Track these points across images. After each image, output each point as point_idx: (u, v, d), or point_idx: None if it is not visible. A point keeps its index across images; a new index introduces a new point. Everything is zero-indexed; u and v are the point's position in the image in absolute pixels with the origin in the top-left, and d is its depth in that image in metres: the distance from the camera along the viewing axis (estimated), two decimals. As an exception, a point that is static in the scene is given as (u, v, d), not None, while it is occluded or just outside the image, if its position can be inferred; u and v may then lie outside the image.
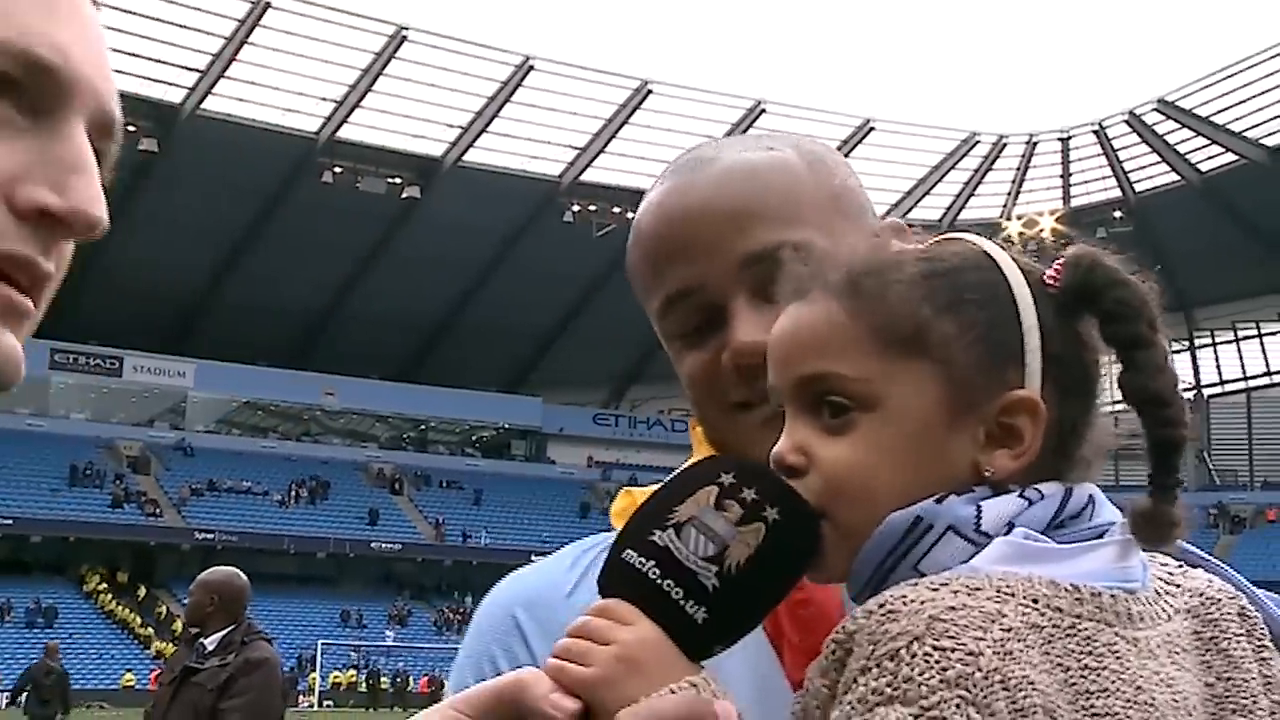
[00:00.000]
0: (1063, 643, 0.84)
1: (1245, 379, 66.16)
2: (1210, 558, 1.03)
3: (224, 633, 6.08)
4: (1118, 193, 59.44)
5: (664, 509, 0.92)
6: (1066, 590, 0.86)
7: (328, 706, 43.61)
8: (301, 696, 42.03)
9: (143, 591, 49.64)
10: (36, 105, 0.71)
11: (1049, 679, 0.82)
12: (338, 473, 57.74)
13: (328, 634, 48.90)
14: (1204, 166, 56.13)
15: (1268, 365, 65.53)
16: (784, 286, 1.01)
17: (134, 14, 44.66)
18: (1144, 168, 58.65)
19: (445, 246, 55.94)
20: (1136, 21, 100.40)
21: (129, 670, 43.44)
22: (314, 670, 45.37)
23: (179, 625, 33.34)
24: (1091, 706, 0.83)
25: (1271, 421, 65.59)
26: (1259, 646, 0.94)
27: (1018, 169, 60.57)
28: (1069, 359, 0.95)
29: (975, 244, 0.99)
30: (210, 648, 6.06)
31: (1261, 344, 65.16)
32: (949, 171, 59.43)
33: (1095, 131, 57.97)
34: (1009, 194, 60.94)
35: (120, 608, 48.26)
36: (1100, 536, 0.92)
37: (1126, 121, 56.48)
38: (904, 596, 0.84)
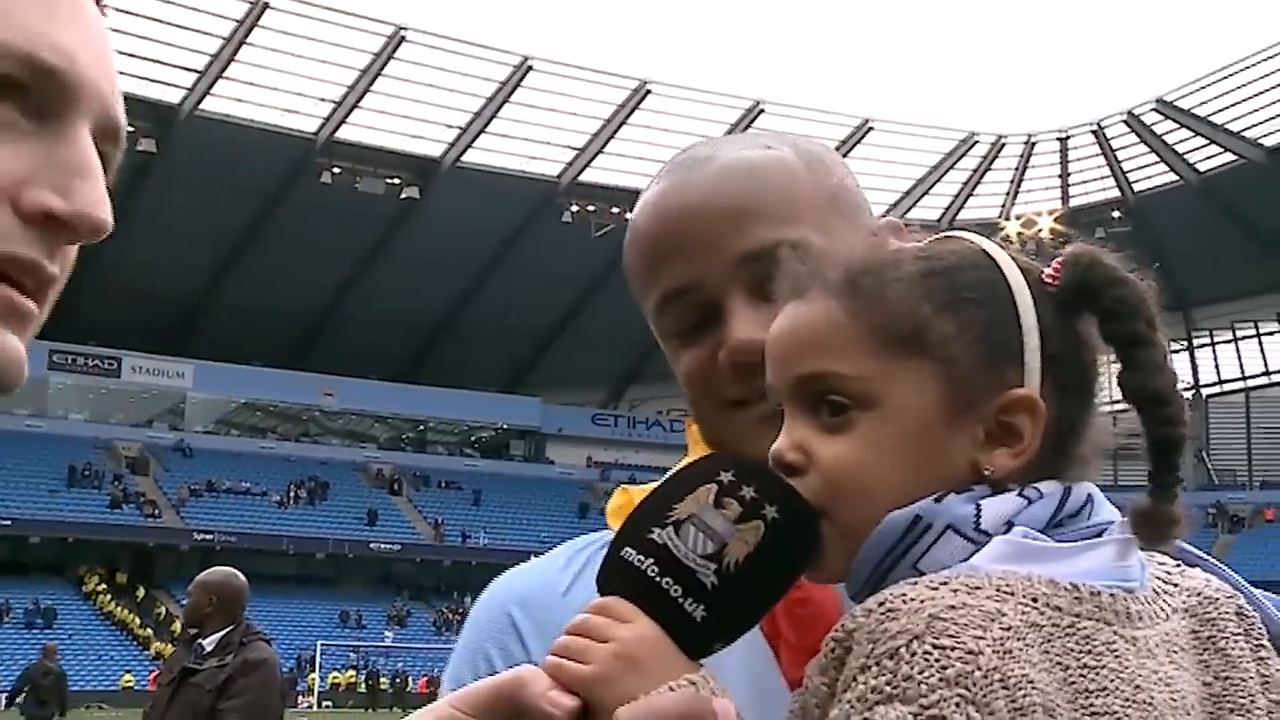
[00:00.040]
0: (1062, 641, 0.84)
1: (1244, 379, 66.19)
2: (1207, 557, 1.03)
3: (222, 633, 6.08)
4: (1116, 193, 59.46)
5: (663, 507, 0.92)
6: (1066, 589, 0.86)
7: (327, 707, 43.61)
8: (301, 697, 42.02)
9: (141, 592, 49.62)
10: (41, 109, 0.71)
11: (1048, 678, 0.82)
12: (336, 473, 57.72)
13: (327, 634, 48.89)
14: (1202, 166, 56.14)
15: (1266, 365, 65.55)
16: (782, 285, 1.00)
17: (132, 14, 44.64)
18: (1142, 167, 58.67)
19: (444, 247, 55.94)
20: (1135, 21, 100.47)
21: (128, 671, 43.42)
22: (313, 671, 45.36)
23: (178, 626, 33.28)
24: (1090, 705, 0.83)
25: (1270, 421, 65.61)
26: (1256, 646, 0.94)
27: (1016, 169, 60.58)
28: (1068, 358, 0.95)
29: (974, 242, 0.99)
30: (209, 648, 6.06)
31: (1260, 344, 65.19)
32: (948, 171, 59.45)
33: (1094, 131, 57.99)
34: (1008, 194, 60.95)
35: (119, 608, 48.24)
36: (1099, 535, 0.92)
37: (1125, 121, 56.49)
38: (904, 595, 0.84)
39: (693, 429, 1.29)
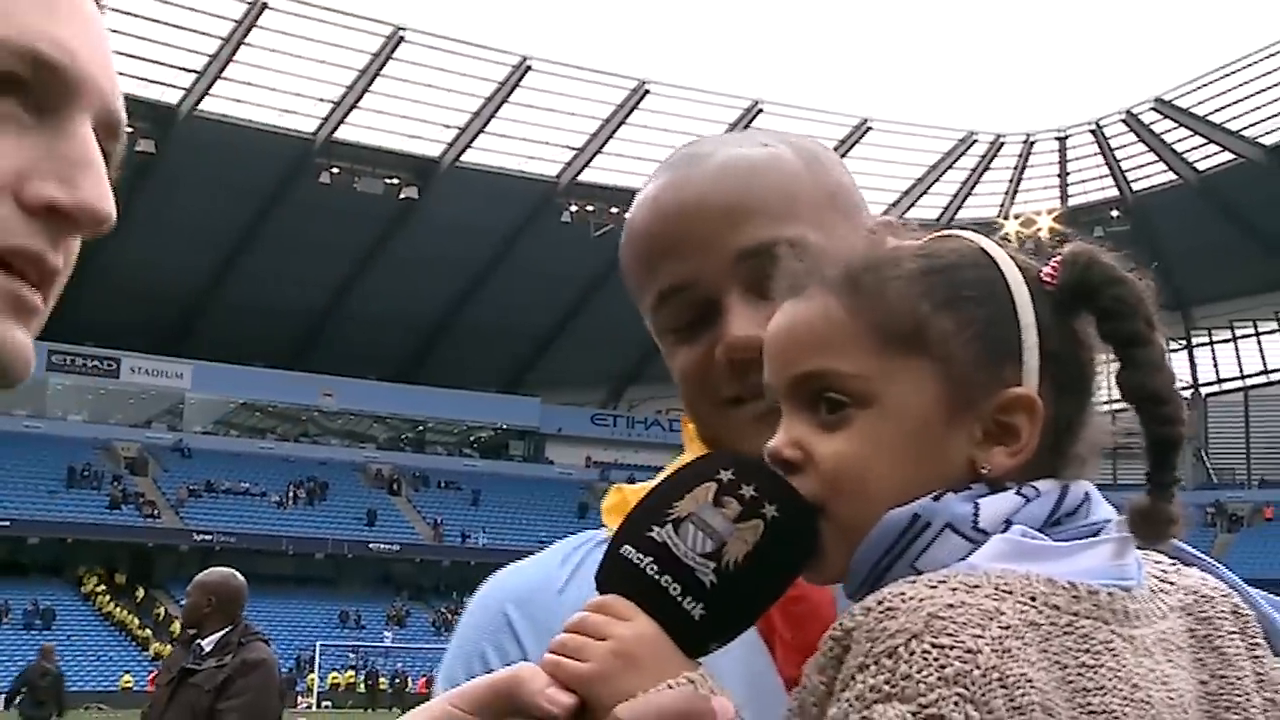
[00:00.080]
0: (1060, 640, 0.84)
1: (1242, 378, 66.19)
2: (1203, 556, 1.02)
3: (221, 634, 6.09)
4: (1115, 192, 59.46)
5: (663, 505, 0.92)
6: (1064, 588, 0.86)
7: (326, 707, 43.61)
8: (300, 697, 42.00)
9: (141, 593, 49.61)
10: (42, 104, 0.71)
11: (1047, 676, 0.82)
12: (336, 473, 57.72)
13: (326, 635, 48.90)
14: (1201, 165, 56.14)
15: (1265, 364, 65.56)
16: (780, 283, 1.00)
17: (131, 15, 44.62)
18: (1141, 167, 58.67)
19: (443, 247, 55.93)
20: (1133, 21, 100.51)
21: (127, 672, 43.41)
22: (312, 671, 45.35)
23: (177, 626, 33.29)
24: (1089, 704, 0.83)
25: (1269, 420, 65.61)
26: (1252, 644, 0.94)
27: (1015, 168, 60.59)
28: (1066, 356, 0.95)
29: (972, 241, 0.99)
30: (207, 649, 6.07)
31: (1259, 343, 65.20)
32: (946, 171, 59.45)
33: (1092, 131, 57.99)
34: (1006, 193, 60.95)
35: (118, 609, 48.23)
36: (1096, 534, 0.92)
37: (1124, 121, 56.50)
38: (902, 594, 0.84)
39: (688, 427, 1.29)
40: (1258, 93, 51.89)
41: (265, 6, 46.64)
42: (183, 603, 6.97)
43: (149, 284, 54.00)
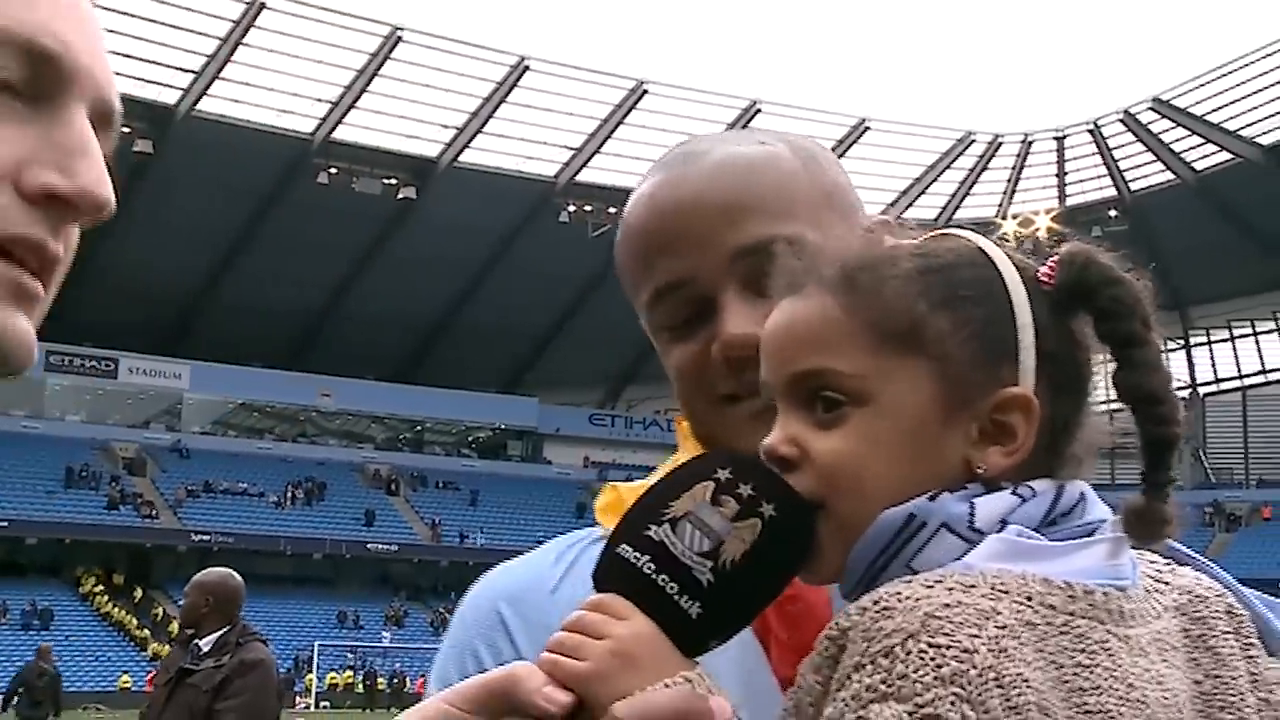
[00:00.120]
0: (1056, 640, 0.84)
1: (1240, 377, 66.21)
2: (1197, 556, 1.02)
3: (219, 634, 6.08)
4: (1113, 191, 59.49)
5: (660, 504, 0.92)
6: (1059, 588, 0.86)
7: (324, 707, 43.58)
8: (298, 697, 41.98)
9: (139, 593, 49.58)
10: (38, 93, 0.72)
11: (1043, 676, 0.82)
12: (334, 474, 57.70)
13: (324, 635, 48.87)
14: (1199, 165, 56.16)
15: (1263, 363, 65.59)
16: (777, 281, 1.00)
17: (129, 15, 44.63)
18: (1139, 166, 58.69)
19: (441, 247, 55.92)
20: (1131, 20, 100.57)
21: (125, 672, 43.37)
22: (311, 671, 45.31)
23: (175, 627, 33.29)
24: (1085, 704, 0.83)
25: (1267, 419, 65.64)
26: (1246, 644, 0.94)
27: (1013, 168, 60.61)
28: (1062, 356, 0.95)
29: (970, 240, 0.99)
30: (205, 649, 6.06)
31: (1257, 342, 65.22)
32: (944, 171, 59.47)
33: (1090, 130, 58.01)
34: (1004, 193, 60.97)
35: (116, 609, 48.20)
36: (1091, 534, 0.92)
37: (1122, 120, 56.52)
38: (898, 593, 0.84)
39: (683, 425, 1.28)
40: (1256, 92, 51.91)
41: (263, 6, 46.62)
42: (181, 603, 6.97)
43: (147, 284, 53.99)
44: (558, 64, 52.21)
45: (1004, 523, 0.89)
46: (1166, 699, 0.87)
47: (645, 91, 52.99)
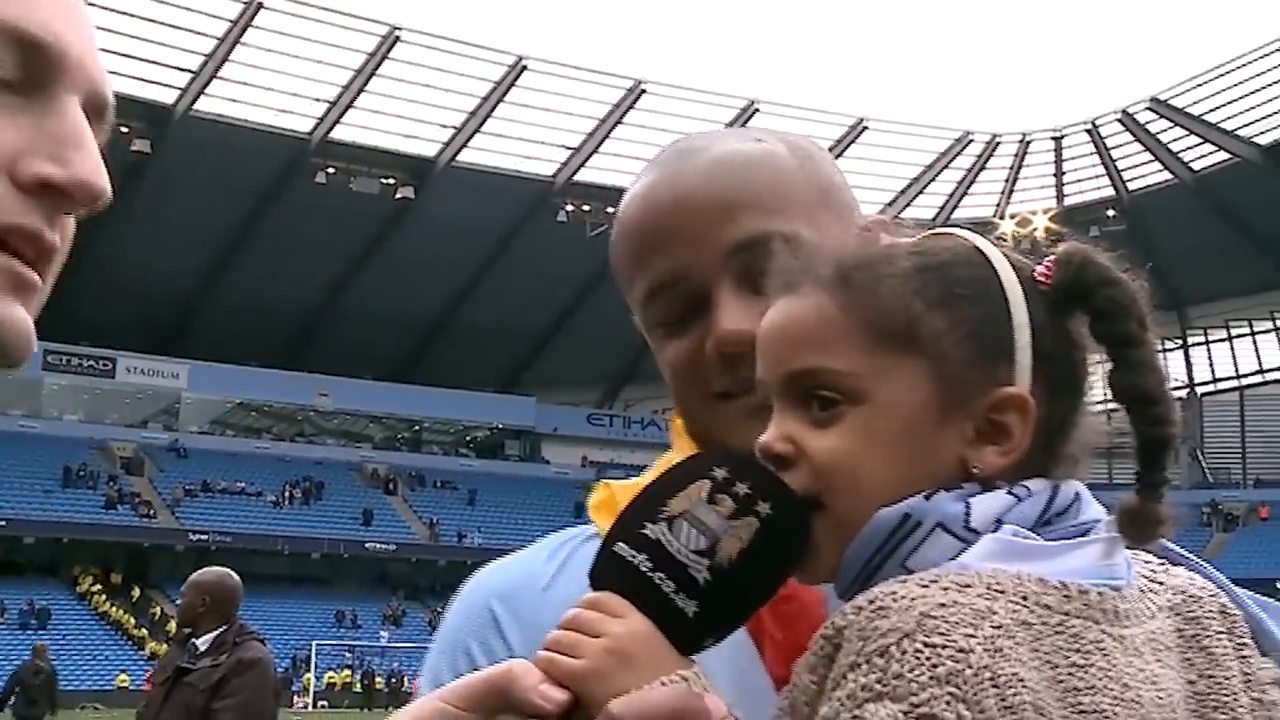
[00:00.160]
0: (1051, 640, 0.84)
1: (1238, 377, 66.23)
2: (1190, 556, 1.02)
3: (216, 633, 6.07)
4: (1111, 191, 59.51)
5: (656, 502, 0.92)
6: (1054, 588, 0.86)
7: (322, 707, 43.57)
8: (296, 697, 42.00)
9: (136, 593, 49.57)
10: (31, 84, 0.72)
11: (1038, 676, 0.82)
12: (332, 473, 57.68)
13: (322, 634, 48.85)
14: (1197, 165, 56.19)
15: (1260, 363, 65.61)
16: (774, 279, 1.00)
17: (126, 14, 44.60)
18: (1137, 166, 58.72)
19: (439, 247, 55.91)
20: (1129, 20, 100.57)
21: (123, 671, 43.36)
22: (308, 671, 45.31)
23: (173, 626, 33.29)
24: (1079, 704, 0.83)
25: (1264, 419, 65.65)
26: (1239, 644, 0.94)
27: (1011, 168, 60.63)
28: (1059, 356, 0.95)
29: (966, 239, 0.99)
30: (202, 648, 6.05)
31: (1254, 342, 65.25)
32: (942, 171, 59.48)
33: (1088, 130, 58.05)
34: (1002, 193, 61.00)
35: (114, 609, 48.19)
36: (1086, 534, 0.92)
37: (1119, 120, 56.55)
38: (894, 593, 0.84)
39: (677, 423, 1.28)
40: (1253, 92, 51.95)
41: (261, 6, 46.60)
42: (178, 602, 6.96)
43: (145, 284, 53.96)
44: (556, 64, 52.26)
45: (999, 522, 0.89)
46: (1161, 699, 0.87)
47: (643, 91, 52.99)
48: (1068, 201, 60.22)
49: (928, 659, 0.80)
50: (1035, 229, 53.86)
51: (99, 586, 49.49)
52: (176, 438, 56.79)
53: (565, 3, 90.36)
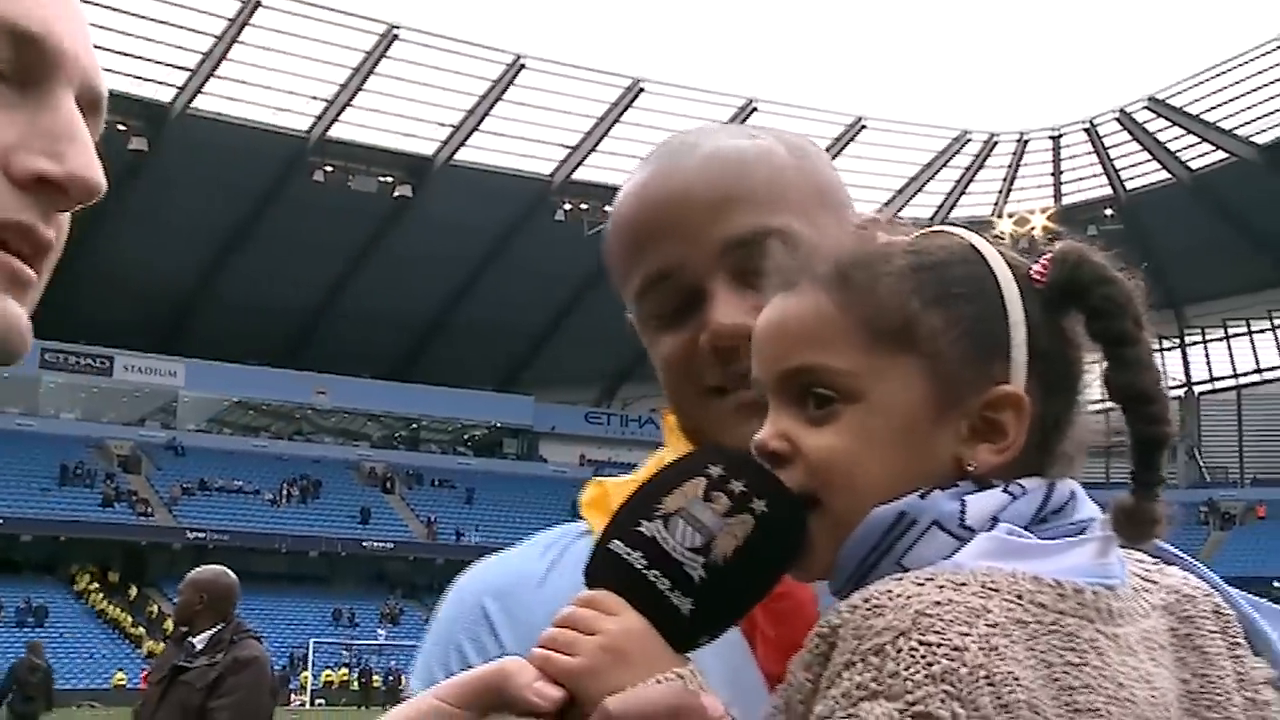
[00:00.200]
0: (1046, 638, 0.84)
1: (1235, 376, 66.26)
2: (1184, 555, 1.02)
3: (213, 631, 6.06)
4: (1108, 190, 59.53)
5: (652, 500, 0.92)
6: (1049, 586, 0.86)
7: (320, 705, 43.56)
8: (294, 695, 41.99)
9: (134, 591, 49.55)
10: (24, 79, 0.72)
11: (1033, 674, 0.82)
12: (329, 472, 57.66)
13: (320, 633, 48.83)
14: (1194, 164, 56.21)
15: (1258, 362, 65.65)
16: (770, 277, 1.00)
17: (124, 13, 44.57)
18: (1135, 165, 58.74)
19: (437, 245, 55.89)
20: (1127, 19, 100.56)
21: (120, 670, 43.34)
22: (306, 669, 45.30)
23: (170, 625, 33.26)
24: (1074, 702, 0.83)
25: (1261, 418, 65.71)
26: (1232, 644, 0.95)
27: (1009, 167, 60.64)
28: (1054, 355, 0.95)
29: (962, 237, 0.99)
30: (199, 646, 6.04)
31: (1251, 341, 65.28)
32: (940, 169, 59.49)
33: (1086, 129, 58.06)
34: (1000, 192, 61.02)
35: (111, 607, 48.17)
36: (1081, 532, 0.92)
37: (1117, 119, 56.57)
38: (889, 591, 0.84)
39: (669, 420, 1.28)
40: (1251, 91, 51.96)
41: (259, 4, 46.57)
42: (175, 601, 6.95)
43: (142, 282, 53.93)
44: (554, 62, 52.23)
45: (995, 521, 0.89)
46: (1155, 697, 0.87)
47: (641, 90, 52.98)
48: (1065, 200, 60.24)
49: (923, 657, 0.80)
50: (1033, 228, 53.89)
51: (96, 585, 49.46)
52: (174, 436, 56.77)
53: (563, 1, 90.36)
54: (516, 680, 0.86)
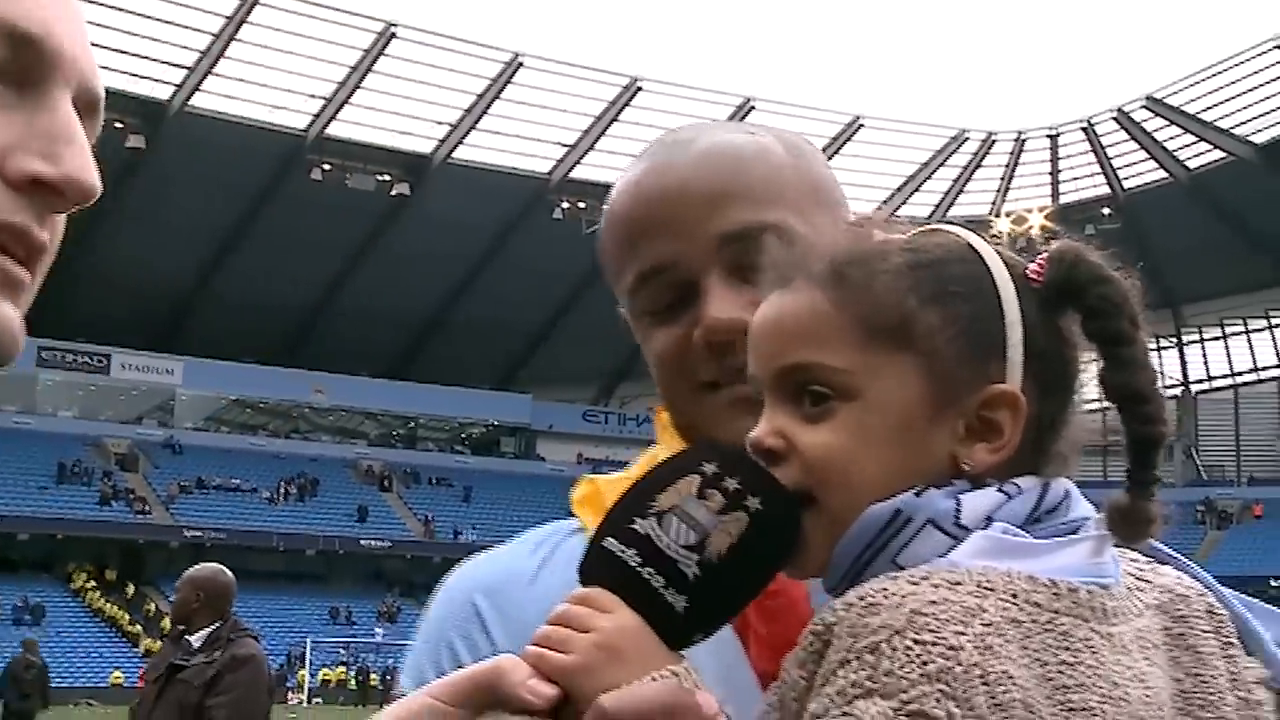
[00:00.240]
0: (1041, 638, 0.84)
1: (1233, 375, 66.32)
2: (1178, 555, 1.02)
3: (210, 629, 6.07)
4: (1106, 190, 59.54)
5: (646, 497, 0.92)
6: (1044, 585, 0.86)
7: (317, 703, 43.55)
8: (291, 693, 41.96)
9: (131, 589, 49.51)
10: (21, 79, 0.71)
11: (1027, 673, 0.82)
12: (327, 470, 57.64)
13: (317, 631, 48.80)
14: (1192, 163, 56.23)
15: (1255, 362, 65.70)
16: (766, 273, 1.00)
17: (122, 10, 44.54)
18: (1132, 165, 58.76)
19: (434, 243, 55.87)
20: (1125, 19, 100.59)
21: (117, 668, 43.32)
22: (303, 667, 45.29)
23: (167, 623, 33.24)
24: (1068, 701, 0.83)
25: (1258, 418, 65.77)
26: (1226, 644, 0.95)
27: (1007, 166, 60.66)
28: (1050, 354, 0.95)
29: (959, 236, 0.99)
30: (196, 645, 6.05)
31: (1249, 340, 65.32)
32: (938, 168, 59.49)
33: (1084, 129, 58.08)
34: (998, 191, 61.04)
35: (108, 605, 48.14)
36: (1075, 532, 0.92)
37: (1115, 118, 56.58)
38: (884, 589, 0.84)
39: (662, 417, 1.27)
40: (1248, 91, 51.98)
41: (257, 2, 46.54)
42: (172, 599, 6.95)
43: (140, 280, 53.88)
44: (552, 60, 52.22)
45: (990, 519, 0.89)
46: (1149, 697, 0.87)
47: (639, 88, 52.97)
48: (1063, 199, 60.26)
49: (918, 656, 0.80)
50: (1030, 227, 53.88)
51: (93, 583, 49.44)
52: (171, 434, 56.73)
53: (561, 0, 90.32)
54: (510, 678, 0.86)
